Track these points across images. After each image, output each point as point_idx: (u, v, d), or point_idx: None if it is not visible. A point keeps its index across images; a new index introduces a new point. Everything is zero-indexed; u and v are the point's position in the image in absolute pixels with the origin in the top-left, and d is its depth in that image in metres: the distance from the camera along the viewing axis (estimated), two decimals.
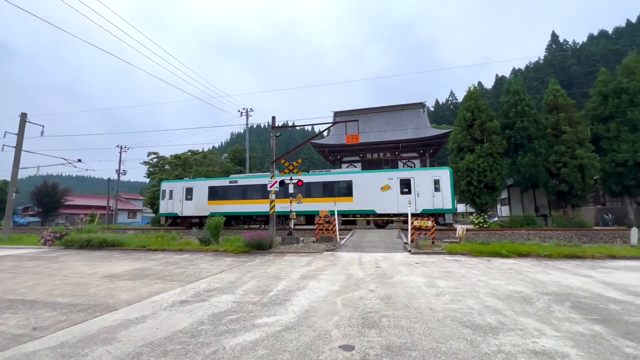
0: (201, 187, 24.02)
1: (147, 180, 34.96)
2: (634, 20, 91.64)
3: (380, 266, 8.80)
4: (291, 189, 14.34)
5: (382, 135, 31.11)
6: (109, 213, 39.59)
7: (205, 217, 20.84)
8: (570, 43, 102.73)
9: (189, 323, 4.41)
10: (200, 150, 35.09)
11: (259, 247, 12.58)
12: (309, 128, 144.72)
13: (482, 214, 22.17)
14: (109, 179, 40.28)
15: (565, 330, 3.88)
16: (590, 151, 19.87)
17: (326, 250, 12.14)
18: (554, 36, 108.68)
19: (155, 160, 32.79)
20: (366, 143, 30.28)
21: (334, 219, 13.81)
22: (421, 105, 34.42)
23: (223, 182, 23.71)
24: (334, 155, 32.76)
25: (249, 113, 33.85)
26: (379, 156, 31.44)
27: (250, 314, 4.82)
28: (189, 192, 24.37)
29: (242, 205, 22.59)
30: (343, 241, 14.12)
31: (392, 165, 31.08)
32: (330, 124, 13.10)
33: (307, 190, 20.48)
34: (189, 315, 4.80)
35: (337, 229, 13.84)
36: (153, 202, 35.93)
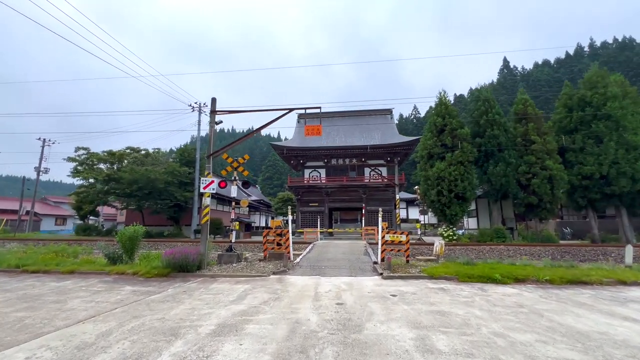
0: None
1: (84, 182, 29.07)
2: (571, 52, 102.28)
3: (344, 302, 6.12)
4: (234, 192, 11.28)
5: (348, 140, 29.09)
6: (21, 219, 32.80)
7: None
8: (519, 69, 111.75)
9: None
10: (144, 149, 30.20)
11: (183, 269, 9.32)
12: (275, 134, 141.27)
13: (451, 227, 20.69)
14: (24, 177, 33.55)
15: None
16: (558, 163, 19.30)
17: (274, 273, 9.22)
18: (505, 61, 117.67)
19: (84, 156, 27.51)
20: (331, 147, 28.02)
21: (287, 232, 10.97)
22: (389, 111, 33.17)
23: None
24: (296, 159, 30.04)
25: (202, 108, 30.07)
26: (344, 162, 29.30)
27: None
28: None
29: None
30: (298, 259, 11.28)
31: (359, 172, 29.08)
32: (286, 111, 10.36)
33: None
34: None
35: (291, 244, 11.00)
36: (80, 207, 30.30)
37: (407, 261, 10.47)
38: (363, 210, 22.61)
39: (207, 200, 10.27)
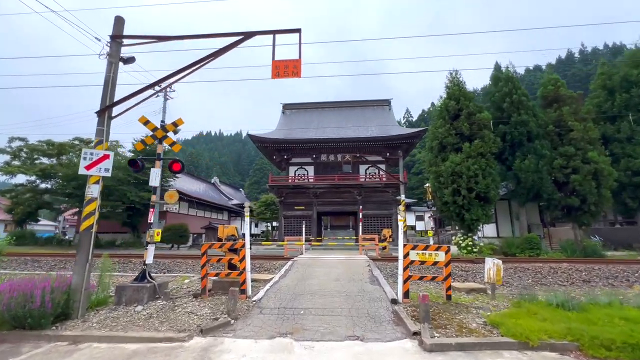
0: None
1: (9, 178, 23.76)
2: (563, 57, 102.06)
3: None
4: (154, 179, 6.71)
5: (340, 133, 24.79)
6: None
7: None
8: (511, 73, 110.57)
9: None
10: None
11: (21, 323, 4.67)
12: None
13: (469, 235, 16.52)
14: None
15: None
16: (603, 154, 15.48)
17: (202, 331, 4.66)
18: (497, 66, 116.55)
19: (18, 147, 22.31)
20: (320, 140, 23.68)
21: (242, 245, 6.45)
22: (386, 102, 29.19)
23: None
24: (279, 155, 25.53)
25: (168, 94, 25.30)
26: (335, 158, 24.96)
27: None
28: None
29: None
30: (262, 291, 6.72)
31: (353, 170, 24.79)
32: (241, 37, 5.90)
33: None
34: None
35: (248, 265, 6.46)
36: (13, 209, 24.83)
37: (449, 297, 6.07)
38: (360, 215, 18.26)
39: (92, 190, 5.68)
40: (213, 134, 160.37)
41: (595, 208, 15.29)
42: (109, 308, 5.73)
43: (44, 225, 55.14)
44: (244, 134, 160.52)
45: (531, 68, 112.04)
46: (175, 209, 28.64)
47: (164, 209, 26.74)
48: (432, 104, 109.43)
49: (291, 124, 27.46)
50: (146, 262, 6.37)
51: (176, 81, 6.20)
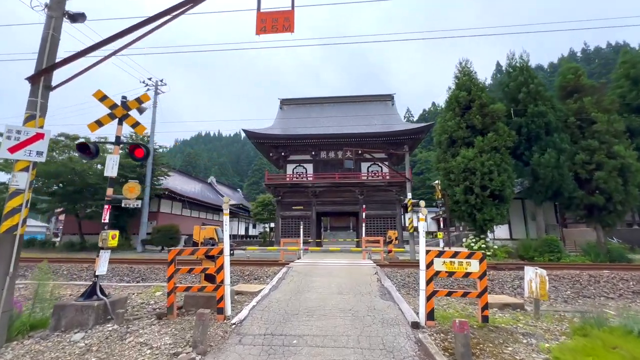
0: None
1: None
2: (566, 55, 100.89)
3: None
4: (110, 169, 5.35)
5: (341, 128, 23.44)
6: None
7: None
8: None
9: None
10: (84, 138, 23.72)
11: None
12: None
13: (481, 237, 15.20)
14: None
15: None
16: (630, 148, 14.14)
17: None
18: (498, 66, 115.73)
19: None
20: (320, 136, 22.34)
21: (220, 251, 5.08)
22: (389, 97, 27.88)
23: None
24: (276, 152, 24.17)
25: (159, 87, 24.04)
26: (336, 155, 23.60)
27: None
28: None
29: None
30: (246, 310, 5.34)
31: (355, 167, 23.41)
32: None
33: None
34: None
35: (227, 278, 5.08)
36: None
37: (485, 318, 4.69)
38: (363, 215, 16.89)
39: (18, 179, 4.31)
40: (212, 135, 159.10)
41: (621, 207, 13.93)
42: (40, 336, 4.35)
43: (34, 227, 53.80)
44: (243, 135, 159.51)
45: (533, 67, 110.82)
46: (136, 204, 27.26)
47: (134, 205, 25.42)
48: (433, 103, 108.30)
49: (289, 119, 26.14)
50: (97, 274, 5.00)
51: (140, 38, 4.81)
